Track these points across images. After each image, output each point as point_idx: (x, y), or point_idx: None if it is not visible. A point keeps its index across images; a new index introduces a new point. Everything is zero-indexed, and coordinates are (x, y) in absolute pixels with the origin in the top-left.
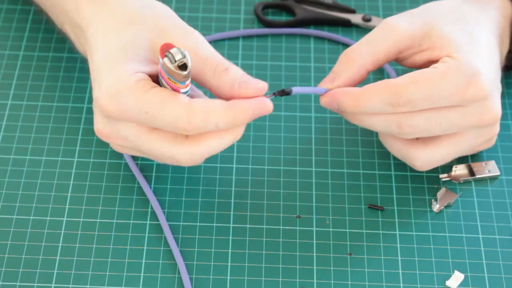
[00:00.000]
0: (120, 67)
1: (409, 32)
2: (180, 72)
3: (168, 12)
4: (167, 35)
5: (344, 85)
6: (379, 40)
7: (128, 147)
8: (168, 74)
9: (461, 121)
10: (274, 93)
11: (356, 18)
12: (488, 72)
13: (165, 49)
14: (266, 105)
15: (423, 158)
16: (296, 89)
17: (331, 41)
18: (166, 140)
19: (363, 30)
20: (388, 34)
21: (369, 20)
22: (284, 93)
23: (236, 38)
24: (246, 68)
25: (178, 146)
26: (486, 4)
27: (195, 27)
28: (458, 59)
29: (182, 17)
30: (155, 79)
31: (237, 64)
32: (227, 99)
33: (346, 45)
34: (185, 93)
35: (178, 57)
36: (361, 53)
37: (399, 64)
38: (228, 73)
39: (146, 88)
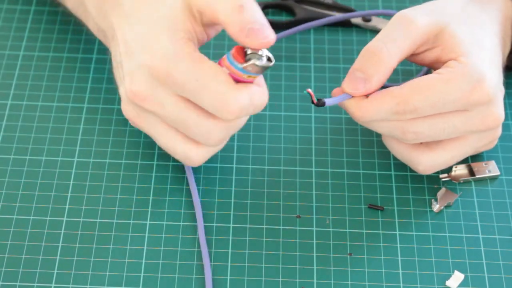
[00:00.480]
0: (175, 33)
1: (427, 29)
2: (268, 63)
3: None
4: None
5: (376, 89)
6: (402, 37)
7: (156, 117)
8: (245, 70)
9: (465, 125)
10: (312, 102)
11: (356, 18)
12: (492, 76)
13: (239, 49)
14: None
15: (427, 162)
16: (328, 101)
17: (330, 26)
18: (203, 113)
19: (363, 30)
20: (409, 31)
21: (369, 20)
22: (320, 103)
23: None
24: None
25: (213, 120)
26: (487, 5)
27: None
28: (464, 64)
29: None
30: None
31: None
32: (234, 38)
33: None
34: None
35: (265, 54)
36: (390, 54)
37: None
38: (242, 12)
39: (203, 59)
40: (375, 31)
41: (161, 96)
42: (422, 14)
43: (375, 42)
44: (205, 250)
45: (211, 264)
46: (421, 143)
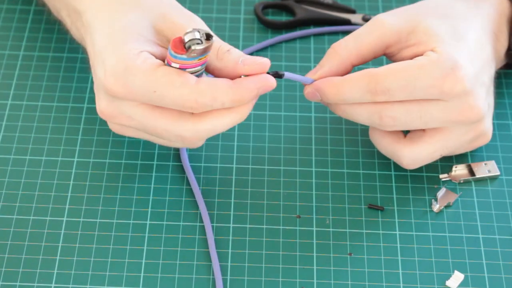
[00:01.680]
0: (125, 46)
1: (395, 27)
2: (208, 43)
3: None
4: (167, 18)
5: (326, 76)
6: (365, 34)
7: (131, 126)
8: (183, 55)
9: (442, 115)
10: (268, 73)
11: (356, 18)
12: (470, 67)
13: (177, 41)
14: (269, 81)
15: (410, 156)
16: (287, 74)
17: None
18: (172, 117)
19: None
20: (374, 29)
21: (369, 20)
22: (278, 75)
23: (237, 37)
24: None
25: (183, 122)
26: (481, 2)
27: None
28: (439, 52)
29: None
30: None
31: None
32: (232, 78)
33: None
34: (194, 72)
35: (198, 34)
36: (347, 47)
37: (389, 60)
38: (231, 53)
39: (154, 67)
40: None
41: (127, 110)
42: (392, 15)
43: (339, 40)
44: (214, 252)
45: (211, 264)
46: (405, 136)
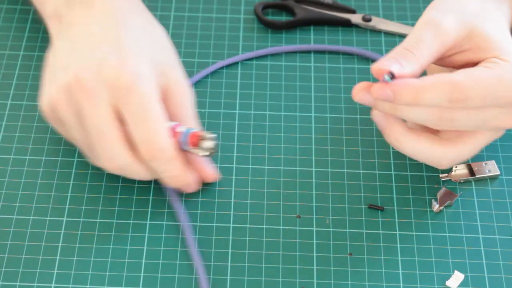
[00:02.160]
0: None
1: (454, 32)
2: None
3: (167, 48)
4: (166, 76)
5: (407, 76)
6: (431, 41)
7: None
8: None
9: (494, 120)
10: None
11: (356, 18)
12: None
13: (195, 135)
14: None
15: (451, 157)
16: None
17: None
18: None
19: (363, 30)
20: (437, 35)
21: (369, 20)
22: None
23: (237, 36)
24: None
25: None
26: (501, 3)
27: (195, 27)
28: (509, 62)
29: (182, 17)
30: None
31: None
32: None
33: (345, 55)
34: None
35: (212, 144)
36: (422, 54)
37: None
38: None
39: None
40: (375, 31)
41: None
42: (449, 15)
43: (409, 41)
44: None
45: (211, 264)
46: (447, 139)
